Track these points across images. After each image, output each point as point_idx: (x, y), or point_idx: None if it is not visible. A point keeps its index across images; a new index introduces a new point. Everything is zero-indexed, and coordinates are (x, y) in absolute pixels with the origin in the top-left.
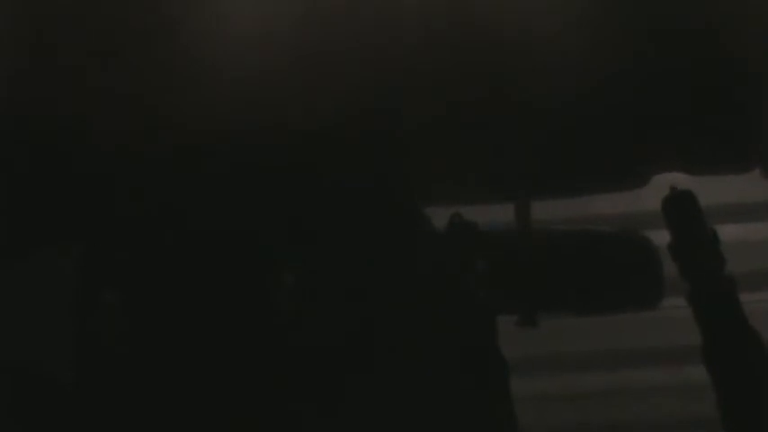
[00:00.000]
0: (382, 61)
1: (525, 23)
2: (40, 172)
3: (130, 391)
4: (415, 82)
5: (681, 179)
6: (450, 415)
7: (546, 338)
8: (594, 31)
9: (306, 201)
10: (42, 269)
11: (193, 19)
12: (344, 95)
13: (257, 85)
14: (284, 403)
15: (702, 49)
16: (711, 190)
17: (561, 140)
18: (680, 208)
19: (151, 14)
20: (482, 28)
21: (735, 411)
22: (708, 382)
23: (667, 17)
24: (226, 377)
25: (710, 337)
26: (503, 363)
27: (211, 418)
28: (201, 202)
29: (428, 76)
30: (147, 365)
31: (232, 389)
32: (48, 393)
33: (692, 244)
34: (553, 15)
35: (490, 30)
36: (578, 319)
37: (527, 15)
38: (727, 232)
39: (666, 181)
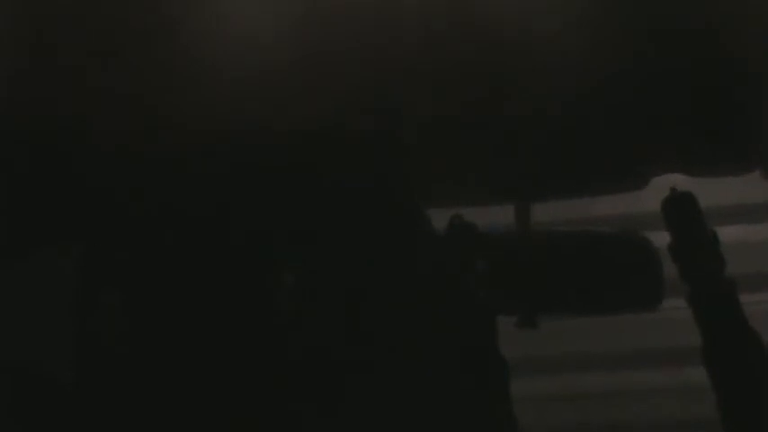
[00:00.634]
0: (382, 61)
1: (525, 23)
2: (41, 172)
3: (130, 391)
4: (415, 82)
5: (681, 180)
6: (450, 415)
7: (546, 339)
8: (594, 31)
9: (306, 201)
10: (42, 269)
11: (193, 19)
12: (344, 95)
13: (257, 85)
14: (284, 403)
15: (702, 49)
16: (711, 191)
17: (561, 141)
18: (680, 209)
19: (151, 14)
20: (482, 28)
21: (735, 412)
22: (708, 384)
23: (667, 17)
24: (226, 377)
25: (710, 338)
26: (503, 363)
27: (211, 417)
28: (201, 203)
29: (428, 77)
30: (148, 365)
31: (232, 389)
32: (48, 393)
33: (692, 245)
34: (553, 15)
35: (490, 30)
36: (578, 320)
37: (527, 15)
38: (728, 233)
39: (666, 182)
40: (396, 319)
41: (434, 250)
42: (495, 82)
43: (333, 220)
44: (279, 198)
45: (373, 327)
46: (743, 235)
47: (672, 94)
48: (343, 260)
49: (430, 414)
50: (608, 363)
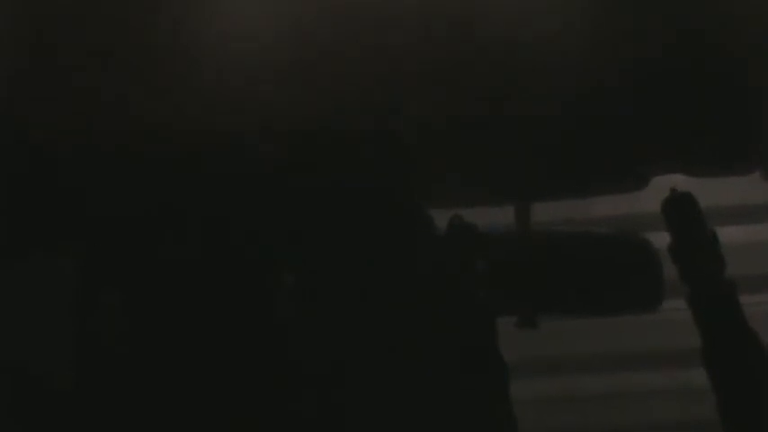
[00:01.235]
0: (382, 61)
1: (525, 23)
2: (40, 172)
3: (130, 391)
4: (415, 82)
5: (681, 181)
6: (449, 415)
7: (546, 340)
8: (594, 31)
9: (306, 201)
10: (42, 269)
11: (193, 19)
12: (344, 95)
13: (257, 85)
14: (284, 403)
15: (702, 49)
16: (711, 192)
17: (561, 141)
18: (680, 210)
19: (151, 14)
20: (482, 28)
21: (735, 414)
22: (708, 385)
23: (667, 17)
24: (226, 377)
25: (710, 339)
26: (502, 364)
27: (211, 417)
28: (201, 203)
29: (428, 76)
30: (148, 366)
31: (232, 389)
32: (48, 394)
33: (692, 246)
34: (553, 15)
35: (490, 30)
36: (578, 321)
37: (527, 15)
38: (728, 234)
39: (666, 183)
40: (396, 319)
41: (434, 250)
42: (495, 82)
43: (333, 221)
44: (279, 198)
45: (373, 327)
46: (743, 236)
47: (672, 94)
48: (343, 260)
49: (430, 414)
50: (608, 364)
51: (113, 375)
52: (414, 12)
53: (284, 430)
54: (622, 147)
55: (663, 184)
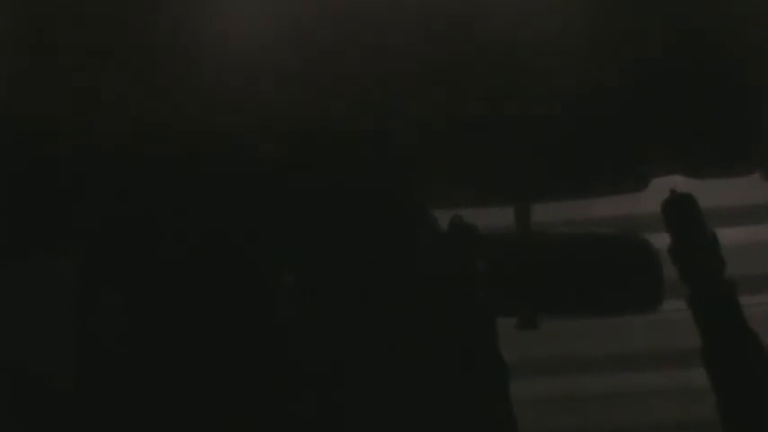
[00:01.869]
0: (382, 61)
1: (525, 23)
2: (40, 172)
3: (130, 391)
4: (415, 82)
5: (681, 182)
6: (449, 415)
7: (546, 340)
8: (594, 31)
9: (306, 201)
10: (42, 269)
11: (193, 19)
12: (344, 95)
13: (257, 86)
14: (284, 403)
15: (702, 49)
16: (711, 193)
17: (561, 141)
18: (680, 211)
19: (151, 14)
20: (482, 28)
21: (735, 414)
22: (708, 385)
23: (667, 17)
24: (226, 377)
25: (710, 339)
26: (502, 364)
27: (211, 417)
28: (201, 203)
29: (428, 76)
30: (148, 366)
31: (232, 389)
32: (48, 394)
33: (692, 247)
34: (553, 15)
35: (490, 30)
36: (578, 321)
37: (527, 15)
38: (728, 235)
39: (666, 183)
40: (396, 319)
41: (434, 250)
42: (495, 82)
43: (333, 220)
44: (279, 198)
45: (373, 327)
46: (743, 236)
47: (672, 95)
48: (344, 260)
49: (430, 414)
50: (608, 364)
51: (113, 375)
52: (414, 12)
53: (284, 430)
54: (622, 147)
55: (663, 185)
